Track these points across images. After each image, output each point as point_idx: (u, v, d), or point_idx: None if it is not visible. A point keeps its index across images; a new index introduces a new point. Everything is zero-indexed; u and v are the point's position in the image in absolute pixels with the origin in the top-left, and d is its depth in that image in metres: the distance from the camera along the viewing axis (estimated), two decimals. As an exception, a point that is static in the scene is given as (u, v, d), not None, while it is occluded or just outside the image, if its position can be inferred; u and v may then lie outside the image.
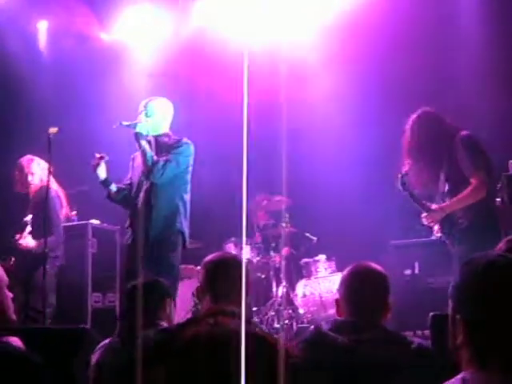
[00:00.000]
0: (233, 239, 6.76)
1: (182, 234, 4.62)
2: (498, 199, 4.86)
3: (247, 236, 6.86)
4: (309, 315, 6.38)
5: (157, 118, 4.68)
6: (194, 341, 1.62)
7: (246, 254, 6.60)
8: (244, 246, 6.50)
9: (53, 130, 4.71)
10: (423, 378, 2.08)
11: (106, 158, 4.68)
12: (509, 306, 1.41)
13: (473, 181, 4.13)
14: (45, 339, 3.16)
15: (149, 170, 4.52)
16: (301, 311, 6.40)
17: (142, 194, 4.63)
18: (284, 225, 6.67)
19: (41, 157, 5.37)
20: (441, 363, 2.03)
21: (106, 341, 2.77)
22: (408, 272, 5.33)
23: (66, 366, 2.81)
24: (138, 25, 7.56)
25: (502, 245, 2.60)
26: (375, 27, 6.53)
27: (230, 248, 6.65)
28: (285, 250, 6.80)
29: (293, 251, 6.94)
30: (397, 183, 4.26)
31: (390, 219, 6.34)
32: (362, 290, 2.37)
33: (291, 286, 6.66)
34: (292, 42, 6.78)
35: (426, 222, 4.38)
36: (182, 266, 4.91)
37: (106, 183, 4.78)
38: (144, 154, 4.52)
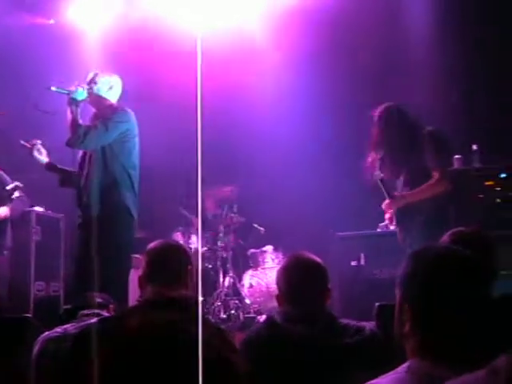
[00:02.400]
0: (180, 228, 6.72)
1: (126, 208, 4.44)
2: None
3: (193, 226, 6.83)
4: (256, 305, 6.40)
5: (101, 89, 4.59)
6: (121, 336, 1.58)
7: (194, 243, 6.58)
8: (196, 235, 6.50)
9: (-1, 112, 4.60)
10: (377, 362, 2.11)
11: (37, 143, 4.56)
12: (455, 298, 1.44)
13: (435, 174, 4.22)
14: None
15: (72, 138, 4.38)
16: (247, 301, 6.41)
17: (85, 170, 4.52)
18: (232, 215, 6.67)
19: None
20: (390, 348, 2.07)
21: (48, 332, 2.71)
22: (354, 263, 5.40)
23: (8, 355, 2.74)
24: (87, 7, 7.39)
25: (445, 237, 2.66)
26: (331, 18, 6.58)
27: (178, 237, 6.61)
28: (231, 239, 6.80)
29: (240, 241, 6.95)
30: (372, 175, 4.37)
31: (337, 211, 6.41)
32: (303, 281, 2.38)
33: (238, 277, 6.66)
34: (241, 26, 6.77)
35: (385, 209, 4.46)
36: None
37: (50, 168, 4.67)
38: (71, 119, 4.40)
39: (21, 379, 2.69)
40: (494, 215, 4.67)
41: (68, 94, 4.44)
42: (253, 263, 6.78)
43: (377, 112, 4.50)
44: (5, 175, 5.32)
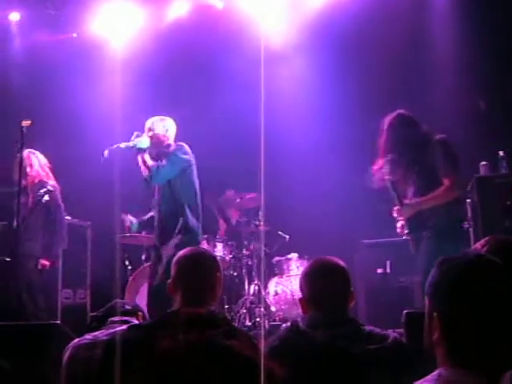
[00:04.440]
0: (205, 236, 6.73)
1: (191, 231, 4.87)
2: (468, 200, 4.95)
3: (215, 233, 6.85)
4: (281, 313, 6.39)
5: (159, 134, 5.06)
6: (174, 351, 1.58)
7: (219, 251, 6.60)
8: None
9: (26, 122, 4.67)
10: (399, 372, 2.10)
11: None
12: (483, 306, 1.43)
13: (446, 181, 4.18)
14: (15, 336, 3.13)
15: (148, 175, 4.92)
16: (273, 309, 6.40)
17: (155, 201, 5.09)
18: (257, 223, 6.67)
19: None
20: (416, 357, 2.05)
21: (77, 339, 2.74)
22: (380, 271, 5.38)
23: (38, 361, 2.78)
24: (113, 19, 7.49)
25: (478, 245, 2.60)
26: (345, 23, 6.62)
27: (203, 245, 6.62)
28: (256, 247, 6.80)
29: (265, 249, 6.95)
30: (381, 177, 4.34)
31: (363, 219, 6.38)
32: (325, 285, 2.38)
33: (263, 284, 6.66)
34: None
35: (396, 216, 4.41)
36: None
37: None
38: (143, 164, 4.92)
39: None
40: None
41: (135, 146, 4.93)
42: (278, 271, 6.77)
43: (387, 119, 4.49)
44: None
